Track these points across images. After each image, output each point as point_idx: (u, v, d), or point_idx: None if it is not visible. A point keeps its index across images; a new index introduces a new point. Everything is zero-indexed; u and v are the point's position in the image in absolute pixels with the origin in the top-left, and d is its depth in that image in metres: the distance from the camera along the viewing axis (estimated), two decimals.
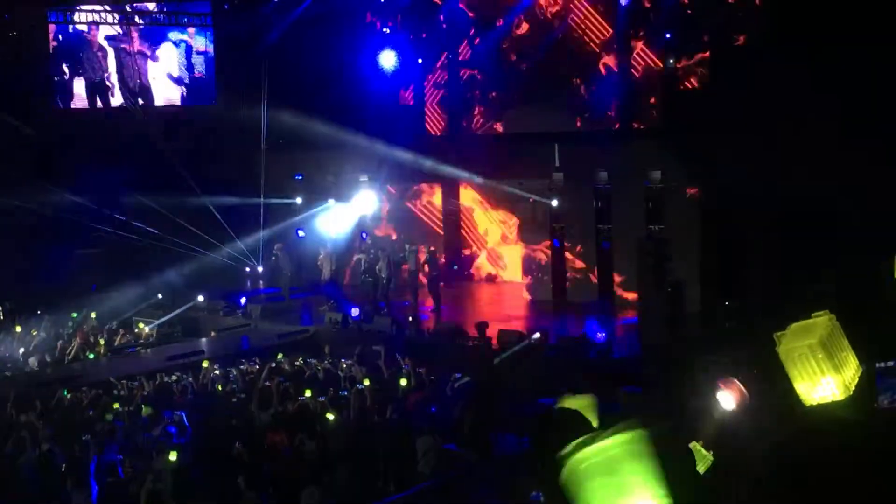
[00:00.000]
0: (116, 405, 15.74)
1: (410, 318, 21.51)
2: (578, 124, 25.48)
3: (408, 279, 24.10)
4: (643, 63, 24.24)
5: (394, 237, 27.34)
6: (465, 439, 13.40)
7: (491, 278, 27.23)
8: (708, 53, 22.88)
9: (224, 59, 27.73)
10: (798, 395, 4.15)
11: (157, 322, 23.14)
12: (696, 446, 5.62)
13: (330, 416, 13.97)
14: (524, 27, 26.04)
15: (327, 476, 12.13)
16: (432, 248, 24.29)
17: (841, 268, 16.90)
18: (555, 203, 23.08)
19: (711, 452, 5.53)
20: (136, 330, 23.09)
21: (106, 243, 25.83)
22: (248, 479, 11.48)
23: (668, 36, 23.14)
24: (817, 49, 18.59)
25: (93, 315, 23.10)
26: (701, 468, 5.41)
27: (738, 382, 5.47)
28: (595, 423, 4.28)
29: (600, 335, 18.45)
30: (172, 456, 11.55)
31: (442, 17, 27.12)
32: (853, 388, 4.14)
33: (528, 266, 25.91)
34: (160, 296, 24.60)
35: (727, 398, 5.46)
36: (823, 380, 4.09)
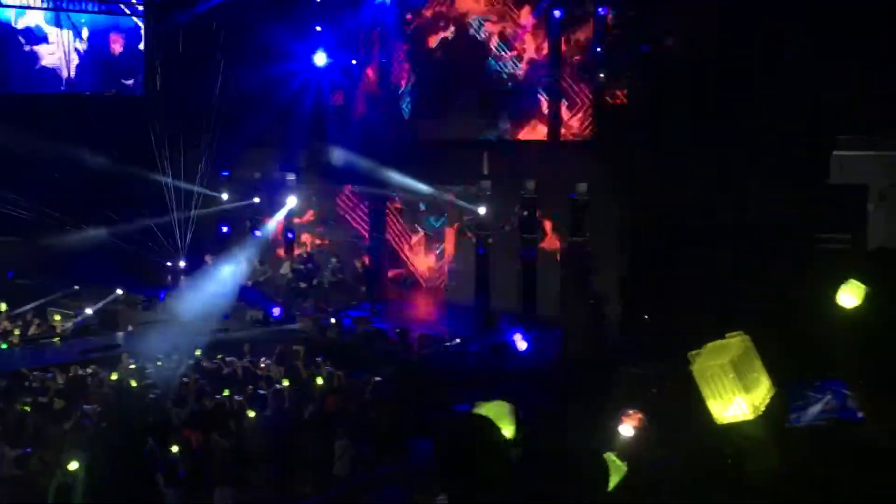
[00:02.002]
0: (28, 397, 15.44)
1: (333, 321, 21.43)
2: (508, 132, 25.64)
3: (332, 282, 24.05)
4: (574, 75, 24.44)
5: (319, 240, 27.19)
6: (382, 443, 13.42)
7: (416, 283, 27.20)
8: (639, 68, 23.18)
9: (153, 47, 27.33)
10: (710, 412, 4.26)
11: (76, 319, 22.63)
12: (610, 456, 5.70)
13: (248, 415, 13.89)
14: (456, 33, 26.13)
15: (242, 475, 12.06)
16: (361, 253, 24.30)
17: (759, 287, 17.29)
18: (481, 211, 23.19)
19: (626, 463, 5.62)
20: (51, 321, 22.62)
21: (21, 230, 25.23)
22: (166, 476, 11.37)
23: (598, 49, 23.40)
24: (744, 71, 19.00)
25: (2, 307, 22.57)
26: (615, 478, 5.49)
27: (636, 414, 5.72)
28: (511, 430, 4.35)
29: (522, 344, 18.57)
30: (73, 465, 11.30)
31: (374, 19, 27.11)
32: (763, 408, 4.24)
33: (453, 272, 25.98)
34: (76, 287, 24.12)
35: (627, 428, 5.70)
36: (735, 399, 4.19)
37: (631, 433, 5.81)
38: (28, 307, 22.60)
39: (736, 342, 4.36)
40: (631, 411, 5.94)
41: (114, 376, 17.38)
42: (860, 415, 4.22)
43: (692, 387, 4.35)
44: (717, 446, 4.30)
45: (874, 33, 17.78)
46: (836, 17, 18.00)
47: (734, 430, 4.12)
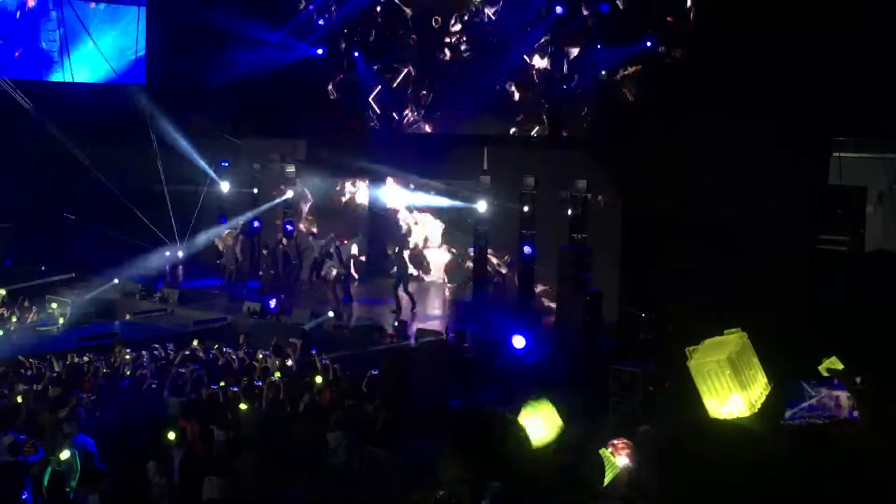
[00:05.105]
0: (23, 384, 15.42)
1: (331, 313, 21.41)
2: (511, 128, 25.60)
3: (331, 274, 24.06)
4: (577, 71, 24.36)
5: (316, 231, 27.13)
6: (377, 436, 13.40)
7: (414, 279, 27.08)
8: (640, 67, 23.14)
9: (155, 42, 27.30)
10: (706, 409, 4.25)
11: (73, 309, 22.60)
12: (605, 453, 5.71)
13: (242, 407, 13.87)
14: (459, 27, 26.06)
15: (234, 466, 12.04)
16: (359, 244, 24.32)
17: (758, 286, 17.31)
18: (481, 206, 23.13)
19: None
20: (49, 308, 22.58)
21: (17, 218, 25.25)
22: (158, 465, 11.36)
23: (599, 47, 23.32)
24: (744, 71, 18.99)
25: (2, 292, 22.53)
26: (609, 475, 5.49)
27: (628, 445, 5.68)
28: (555, 433, 4.34)
29: (520, 341, 18.51)
30: (65, 454, 11.28)
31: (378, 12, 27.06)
32: (759, 406, 4.23)
33: (452, 268, 25.93)
34: (73, 274, 24.10)
35: (622, 460, 5.68)
36: (731, 396, 4.18)
37: (626, 462, 5.77)
38: (21, 285, 22.63)
39: (733, 339, 4.36)
40: (617, 441, 5.88)
41: (111, 362, 17.40)
42: (855, 414, 4.22)
43: (689, 383, 4.34)
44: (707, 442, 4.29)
45: (874, 34, 17.78)
46: (836, 17, 18.00)
47: (729, 424, 4.11)
